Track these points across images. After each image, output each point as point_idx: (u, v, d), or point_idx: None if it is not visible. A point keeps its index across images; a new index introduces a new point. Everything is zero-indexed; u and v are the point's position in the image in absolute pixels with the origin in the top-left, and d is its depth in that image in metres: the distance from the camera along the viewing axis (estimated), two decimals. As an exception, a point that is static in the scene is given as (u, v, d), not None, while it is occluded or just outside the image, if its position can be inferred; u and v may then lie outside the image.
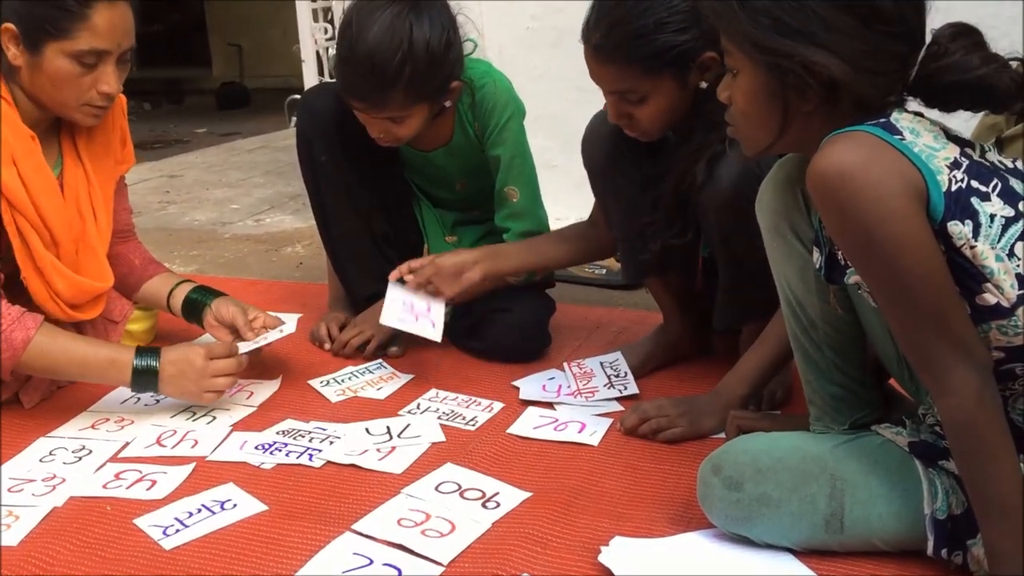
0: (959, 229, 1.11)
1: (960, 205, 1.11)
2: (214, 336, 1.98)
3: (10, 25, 1.70)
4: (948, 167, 1.12)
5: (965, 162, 1.14)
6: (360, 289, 2.15)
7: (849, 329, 1.38)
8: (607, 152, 1.82)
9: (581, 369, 1.94)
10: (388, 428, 1.74)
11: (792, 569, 1.27)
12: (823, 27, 1.12)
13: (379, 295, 1.97)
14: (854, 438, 1.33)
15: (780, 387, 1.78)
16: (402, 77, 1.80)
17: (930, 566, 1.26)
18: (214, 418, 1.79)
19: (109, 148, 1.95)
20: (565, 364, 1.96)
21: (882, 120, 1.15)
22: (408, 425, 1.75)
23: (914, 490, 1.25)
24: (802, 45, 1.13)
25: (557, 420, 1.76)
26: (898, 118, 1.16)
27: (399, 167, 2.16)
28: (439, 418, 1.78)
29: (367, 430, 1.73)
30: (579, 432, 1.71)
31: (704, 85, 1.58)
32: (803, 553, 1.29)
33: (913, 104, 1.21)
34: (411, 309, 1.90)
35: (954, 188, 1.11)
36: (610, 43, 1.56)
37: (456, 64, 1.90)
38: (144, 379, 1.73)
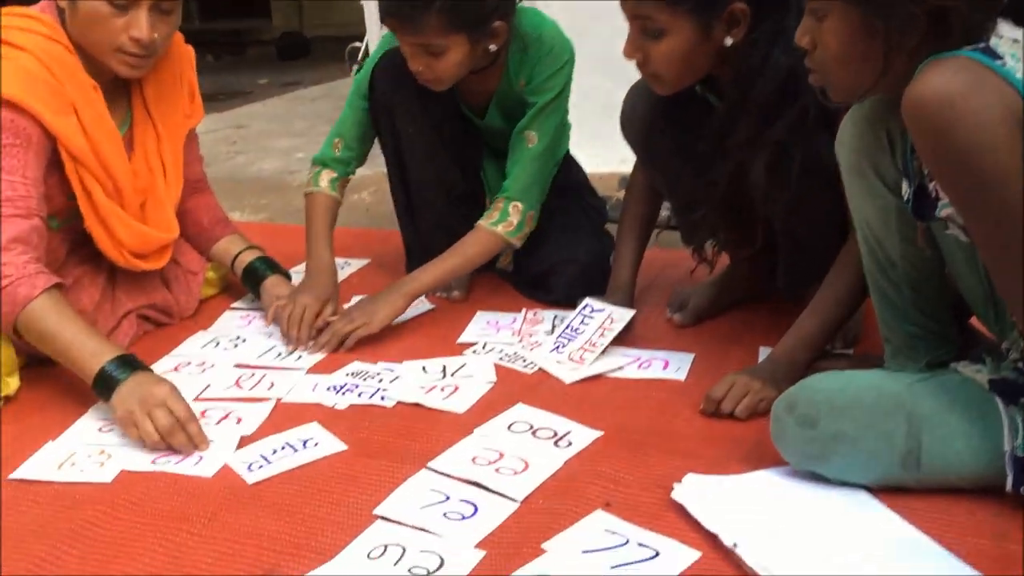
0: None
1: None
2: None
3: None
4: None
5: None
6: (431, 241, 2.13)
7: (930, 268, 1.35)
8: (646, 130, 1.78)
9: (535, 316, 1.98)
10: (444, 367, 1.78)
11: (867, 505, 1.27)
12: None
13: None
14: (932, 376, 1.31)
15: (854, 325, 1.76)
16: None
17: (1006, 502, 1.25)
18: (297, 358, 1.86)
19: (177, 103, 1.98)
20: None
21: (982, 45, 1.10)
22: (464, 364, 1.79)
23: (994, 427, 1.23)
24: None
25: (640, 359, 1.77)
26: (997, 43, 1.11)
27: (475, 126, 2.14)
28: (500, 359, 1.81)
29: (424, 368, 1.77)
30: (663, 369, 1.73)
31: (729, 42, 1.52)
32: (878, 489, 1.29)
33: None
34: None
35: None
36: None
37: (501, 1, 1.85)
38: (100, 388, 1.58)
